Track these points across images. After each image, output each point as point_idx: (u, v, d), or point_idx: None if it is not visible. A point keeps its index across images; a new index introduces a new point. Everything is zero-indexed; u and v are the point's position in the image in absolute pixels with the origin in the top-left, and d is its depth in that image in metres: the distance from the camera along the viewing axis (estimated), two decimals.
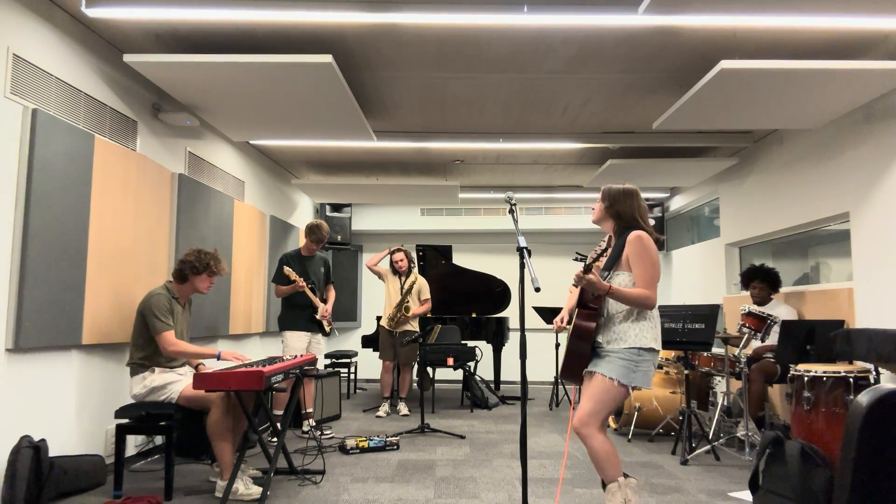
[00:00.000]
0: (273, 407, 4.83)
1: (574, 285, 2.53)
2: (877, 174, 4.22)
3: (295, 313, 4.88)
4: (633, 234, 2.54)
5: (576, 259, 2.54)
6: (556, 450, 4.46)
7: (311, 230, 4.95)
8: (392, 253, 5.95)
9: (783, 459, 3.00)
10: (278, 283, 4.86)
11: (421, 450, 4.42)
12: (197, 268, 3.49)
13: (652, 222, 8.67)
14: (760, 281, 4.89)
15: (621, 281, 2.54)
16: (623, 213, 2.64)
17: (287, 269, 4.74)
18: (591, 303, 2.54)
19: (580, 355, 2.55)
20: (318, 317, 4.92)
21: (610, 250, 2.68)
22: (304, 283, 4.75)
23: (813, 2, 3.11)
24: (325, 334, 5.04)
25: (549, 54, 3.91)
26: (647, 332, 2.50)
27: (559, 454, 4.31)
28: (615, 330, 2.53)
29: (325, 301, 5.10)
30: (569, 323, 2.73)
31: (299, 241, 7.30)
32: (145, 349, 3.37)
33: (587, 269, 2.38)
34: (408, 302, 5.82)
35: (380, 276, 6.03)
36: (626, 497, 2.41)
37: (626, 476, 2.47)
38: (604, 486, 2.50)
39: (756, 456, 3.21)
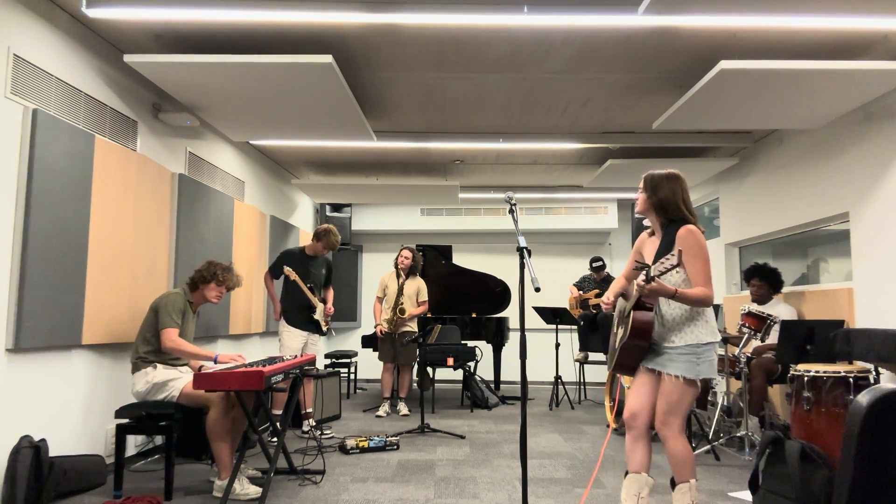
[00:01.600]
0: (272, 407, 4.83)
1: (639, 295, 2.47)
2: (877, 174, 4.22)
3: (294, 310, 4.89)
4: (685, 230, 2.49)
5: (636, 268, 2.50)
6: (556, 450, 4.46)
7: (324, 234, 4.89)
8: (399, 251, 5.96)
9: (783, 459, 3.00)
10: (272, 276, 4.92)
11: (421, 450, 4.42)
12: (205, 277, 3.62)
13: None
14: (760, 279, 4.89)
15: (671, 279, 2.51)
16: (667, 202, 2.56)
17: (287, 269, 4.76)
18: (647, 301, 2.52)
19: (639, 351, 2.54)
20: (316, 316, 4.93)
21: (658, 244, 2.61)
22: (302, 283, 4.78)
23: (813, 2, 3.11)
24: (323, 334, 5.05)
25: (549, 54, 3.91)
26: (702, 328, 2.48)
27: (559, 454, 4.31)
28: (671, 328, 2.52)
29: (323, 302, 5.09)
30: (613, 307, 2.71)
31: (299, 241, 7.30)
32: (152, 344, 3.41)
33: (649, 280, 2.34)
34: (402, 304, 5.81)
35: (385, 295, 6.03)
36: (694, 498, 2.44)
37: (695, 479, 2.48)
38: (672, 484, 2.52)
39: (756, 456, 3.21)
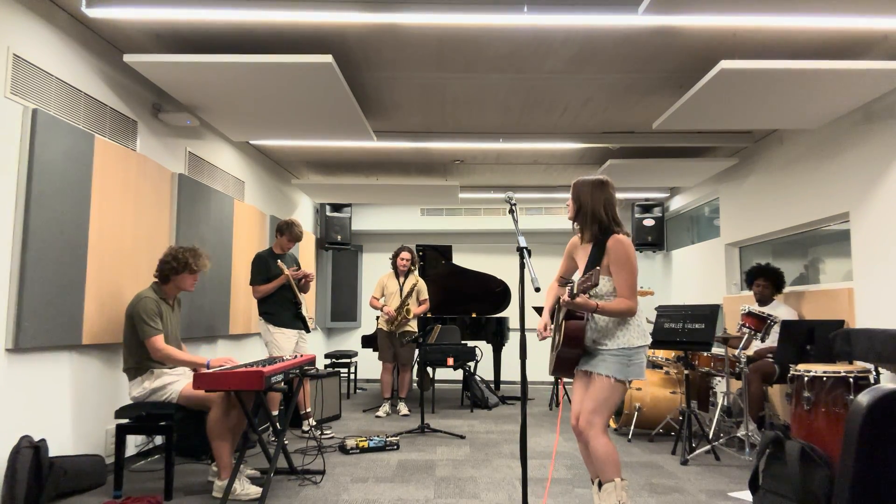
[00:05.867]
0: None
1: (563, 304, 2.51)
2: (877, 174, 4.21)
3: (281, 310, 4.70)
4: (613, 240, 2.53)
5: (561, 284, 2.57)
6: (557, 450, 4.45)
7: (286, 227, 4.74)
8: (397, 252, 5.94)
9: (783, 459, 3.00)
10: (259, 283, 4.65)
11: (421, 450, 4.42)
12: (176, 268, 3.46)
13: (651, 223, 8.56)
14: (765, 279, 4.89)
15: (601, 286, 2.55)
16: (591, 209, 2.58)
17: (281, 264, 4.59)
18: (577, 311, 2.56)
19: (573, 357, 2.58)
20: (303, 312, 4.79)
21: (589, 253, 2.63)
22: (290, 273, 4.61)
23: (813, 2, 3.11)
24: (309, 331, 4.90)
25: (549, 54, 3.91)
26: (633, 332, 2.53)
27: (559, 454, 4.31)
28: (602, 330, 2.56)
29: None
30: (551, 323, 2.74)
31: None
32: (138, 353, 3.34)
33: (573, 296, 2.40)
34: (408, 304, 5.82)
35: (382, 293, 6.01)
36: (621, 498, 2.42)
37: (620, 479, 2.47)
38: (598, 483, 2.49)
39: (756, 456, 3.21)
